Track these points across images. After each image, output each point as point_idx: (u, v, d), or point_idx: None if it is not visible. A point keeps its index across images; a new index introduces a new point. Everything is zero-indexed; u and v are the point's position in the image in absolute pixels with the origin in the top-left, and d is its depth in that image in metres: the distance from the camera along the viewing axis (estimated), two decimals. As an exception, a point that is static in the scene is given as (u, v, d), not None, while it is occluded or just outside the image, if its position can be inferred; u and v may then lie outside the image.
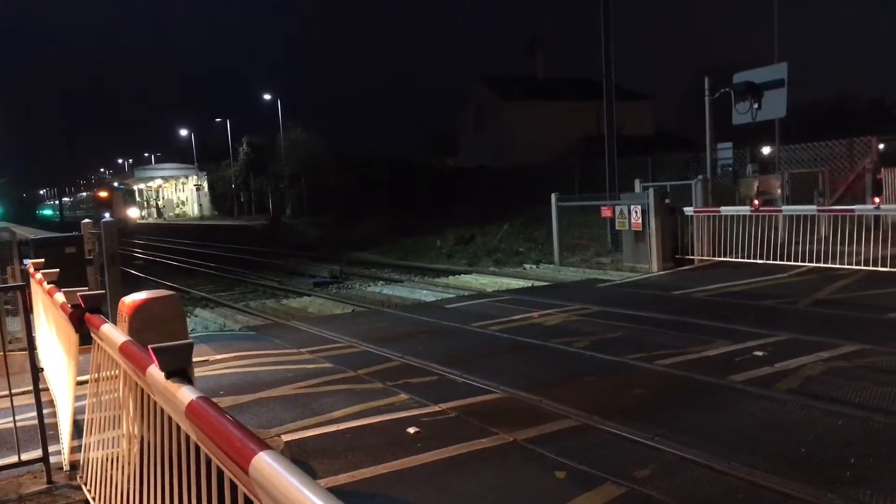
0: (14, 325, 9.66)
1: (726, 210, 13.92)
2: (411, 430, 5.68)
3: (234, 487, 2.01)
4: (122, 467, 3.77)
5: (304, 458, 5.13)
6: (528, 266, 18.67)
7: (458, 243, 25.46)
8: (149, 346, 2.47)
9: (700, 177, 15.26)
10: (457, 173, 44.77)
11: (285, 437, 5.61)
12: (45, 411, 4.56)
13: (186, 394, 2.27)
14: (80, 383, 4.37)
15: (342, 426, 5.86)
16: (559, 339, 8.67)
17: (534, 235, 23.17)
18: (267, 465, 1.68)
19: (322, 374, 7.61)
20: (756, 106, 15.52)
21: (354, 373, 7.65)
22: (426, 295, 15.28)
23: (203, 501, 2.35)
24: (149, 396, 2.89)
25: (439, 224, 29.26)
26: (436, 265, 22.24)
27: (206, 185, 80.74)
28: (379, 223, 34.89)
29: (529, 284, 14.85)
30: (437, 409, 6.23)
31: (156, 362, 2.46)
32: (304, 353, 8.86)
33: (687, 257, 14.35)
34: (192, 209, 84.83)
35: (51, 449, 4.55)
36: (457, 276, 18.44)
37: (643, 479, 4.60)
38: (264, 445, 1.78)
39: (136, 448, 3.59)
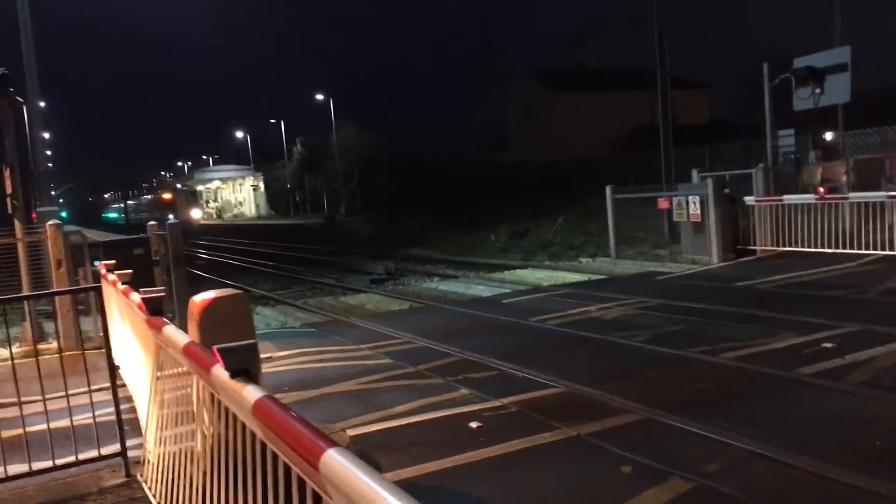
0: (86, 324, 10.01)
1: (790, 199, 13.55)
2: (473, 424, 5.71)
3: (301, 483, 2.06)
4: (187, 464, 3.89)
5: (369, 453, 5.21)
6: (583, 260, 18.52)
7: (513, 238, 25.40)
8: (213, 347, 2.53)
9: (761, 165, 14.89)
10: (508, 168, 44.60)
11: (350, 432, 5.70)
12: (121, 407, 4.73)
13: (252, 393, 2.32)
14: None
15: (405, 421, 5.93)
16: (619, 333, 8.59)
17: (589, 229, 22.95)
18: (336, 461, 1.71)
19: (383, 370, 7.70)
20: (818, 91, 15.04)
21: (414, 368, 7.72)
22: (482, 290, 15.30)
23: (269, 497, 2.42)
24: (213, 395, 2.97)
25: (492, 219, 29.22)
26: (490, 260, 22.23)
27: (262, 185, 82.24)
28: (432, 219, 35.03)
29: (586, 278, 14.73)
30: (498, 403, 6.24)
31: (220, 362, 2.53)
32: (364, 349, 8.97)
33: (748, 248, 14.02)
34: (249, 209, 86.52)
35: (128, 443, 4.73)
36: (512, 270, 18.41)
37: (712, 474, 4.54)
38: (332, 443, 1.82)
39: (200, 445, 3.71)
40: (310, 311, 14.96)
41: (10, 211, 10.40)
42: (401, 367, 7.79)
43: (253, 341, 2.55)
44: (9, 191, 10.31)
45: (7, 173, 10.24)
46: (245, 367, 2.46)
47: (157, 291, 4.14)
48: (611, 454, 4.98)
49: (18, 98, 10.29)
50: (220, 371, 2.59)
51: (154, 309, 4.01)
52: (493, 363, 7.68)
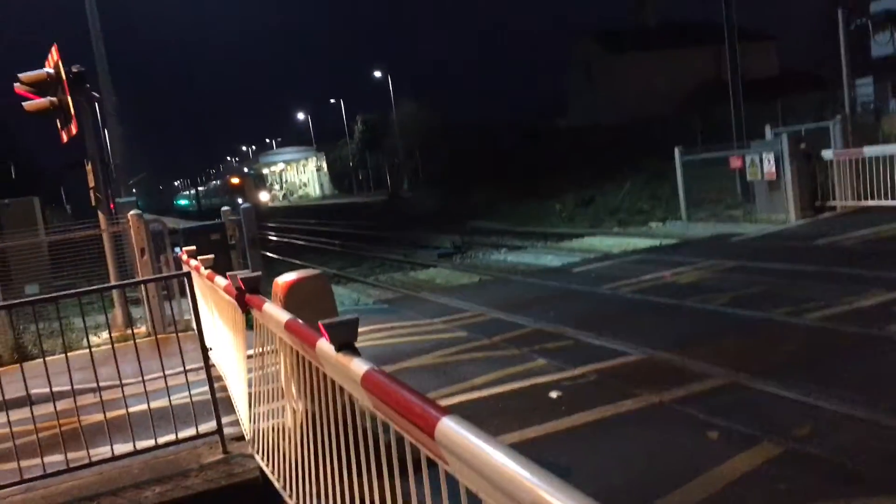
0: (167, 309, 10.38)
1: (870, 150, 12.95)
2: (553, 394, 5.73)
3: (414, 450, 2.12)
4: (289, 437, 4.03)
5: (452, 425, 5.28)
6: (653, 224, 18.17)
7: (579, 205, 25.08)
8: (319, 322, 2.61)
9: (838, 116, 14.26)
10: (569, 133, 43.94)
11: (432, 405, 5.79)
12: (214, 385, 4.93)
13: (360, 365, 2.40)
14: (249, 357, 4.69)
15: (485, 392, 5.99)
16: (696, 298, 8.43)
17: (657, 192, 22.47)
18: (452, 429, 1.76)
19: (458, 343, 7.78)
20: (899, 35, 14.30)
21: (490, 340, 7.76)
22: (551, 260, 15.20)
23: (383, 463, 2.50)
24: (317, 369, 3.07)
25: (556, 187, 28.92)
26: (557, 229, 22.05)
27: (325, 165, 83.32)
28: (495, 190, 34.87)
29: (657, 243, 14.45)
30: (576, 372, 6.24)
31: (326, 337, 2.61)
32: (438, 322, 9.06)
33: (828, 204, 13.50)
34: (313, 190, 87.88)
35: (223, 421, 4.93)
36: (580, 238, 18.20)
37: (803, 438, 4.45)
38: (446, 410, 1.87)
39: (300, 418, 3.84)
40: (381, 288, 15.17)
41: (92, 203, 10.84)
42: (476, 340, 7.85)
43: (356, 317, 2.62)
44: (91, 184, 10.75)
45: (89, 167, 10.67)
46: (350, 341, 2.54)
47: (253, 272, 4.29)
48: (696, 420, 4.93)
49: (95, 94, 10.66)
50: (325, 345, 2.67)
51: (252, 288, 4.15)
52: (568, 332, 7.66)
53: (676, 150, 16.34)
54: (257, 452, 4.50)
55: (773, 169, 13.65)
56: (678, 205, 16.96)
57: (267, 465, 4.25)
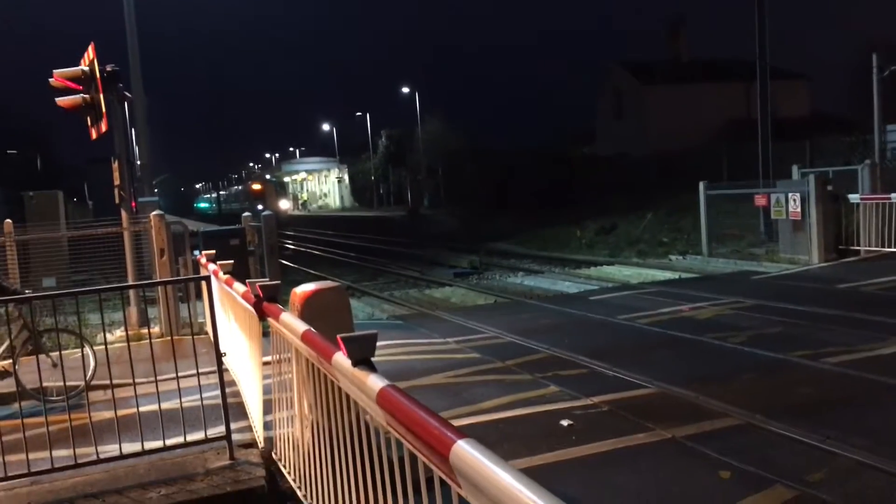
0: (182, 311, 10.41)
1: (898, 197, 12.82)
2: (564, 422, 5.67)
3: (427, 469, 2.09)
4: (299, 446, 4.02)
5: (460, 446, 5.23)
6: (673, 257, 18.08)
7: (599, 234, 25.00)
8: (338, 336, 2.60)
9: (867, 161, 14.16)
10: (595, 162, 43.89)
11: (441, 425, 5.74)
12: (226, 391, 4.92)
13: (376, 381, 2.38)
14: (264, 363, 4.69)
15: (495, 416, 5.93)
16: (713, 334, 8.34)
17: (679, 225, 22.36)
18: (468, 452, 1.73)
19: (471, 364, 7.73)
20: (932, 82, 14.18)
21: (503, 363, 7.71)
22: (568, 286, 15.14)
23: (396, 480, 2.47)
24: (332, 382, 3.05)
25: (578, 214, 28.85)
26: (576, 256, 21.98)
27: (346, 177, 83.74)
28: (516, 213, 34.86)
29: (676, 276, 14.37)
30: (588, 402, 6.17)
31: (344, 351, 2.59)
32: (451, 342, 9.02)
33: (852, 248, 13.36)
34: (333, 201, 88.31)
35: (232, 427, 4.91)
36: (598, 267, 18.15)
37: (816, 483, 4.36)
38: (462, 434, 1.84)
39: (310, 429, 3.82)
40: (396, 304, 15.15)
41: (116, 201, 10.94)
42: (489, 362, 7.80)
43: (375, 332, 2.61)
44: (116, 182, 10.86)
45: (115, 165, 10.78)
46: (367, 356, 2.52)
47: (272, 280, 4.29)
48: (708, 458, 4.85)
49: (127, 94, 10.80)
50: (342, 359, 2.66)
51: (270, 297, 4.15)
52: (583, 361, 7.59)
53: (701, 184, 16.27)
54: (280, 459, 4.49)
55: (799, 209, 13.53)
56: (699, 239, 16.86)
57: (289, 473, 4.24)
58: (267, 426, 4.91)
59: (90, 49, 9.90)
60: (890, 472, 4.45)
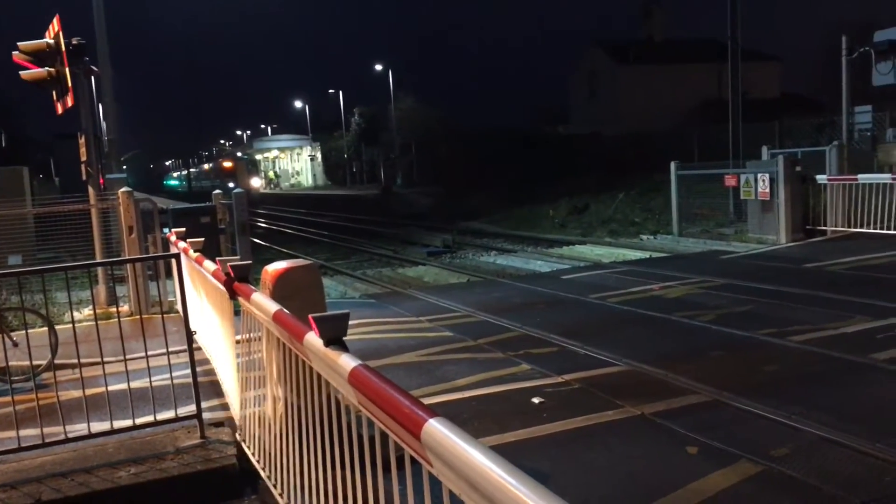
0: (151, 289, 10.29)
1: (864, 178, 13.04)
2: (536, 400, 5.72)
3: (397, 447, 2.09)
4: (269, 425, 4.01)
5: (432, 424, 5.26)
6: (644, 237, 18.22)
7: (572, 213, 25.09)
8: (309, 316, 2.59)
9: (835, 143, 14.35)
10: (568, 141, 43.98)
11: (413, 403, 5.76)
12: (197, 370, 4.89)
13: (348, 361, 2.37)
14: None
15: (467, 394, 5.97)
16: (682, 313, 8.45)
17: (650, 205, 22.53)
18: (439, 431, 1.74)
19: (443, 343, 7.76)
20: (900, 65, 14.38)
21: (475, 342, 7.75)
22: (540, 265, 15.21)
23: (366, 458, 2.47)
24: (303, 362, 3.04)
25: (551, 193, 28.93)
26: (549, 235, 22.06)
27: (319, 155, 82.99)
28: (489, 192, 34.85)
29: (647, 255, 14.51)
30: (560, 379, 6.23)
31: (316, 331, 2.58)
32: (424, 321, 9.04)
33: (819, 228, 13.59)
34: (306, 179, 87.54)
35: (203, 405, 4.88)
36: (571, 246, 18.24)
37: (781, 458, 4.46)
38: (433, 412, 1.84)
39: (280, 408, 3.81)
40: (368, 282, 15.11)
41: (83, 177, 10.74)
42: (461, 341, 7.83)
43: (347, 312, 2.59)
44: (83, 158, 10.65)
45: (82, 141, 10.57)
46: (339, 336, 2.51)
47: (243, 259, 4.24)
48: (676, 434, 4.93)
49: (94, 67, 10.57)
50: (313, 339, 2.64)
51: (241, 277, 4.11)
52: (554, 339, 7.66)
53: (672, 164, 16.39)
54: (244, 440, 4.47)
55: (767, 189, 13.71)
56: (670, 218, 17.02)
57: (253, 454, 4.23)
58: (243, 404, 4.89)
59: (55, 21, 9.65)
60: (852, 447, 4.56)
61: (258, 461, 4.12)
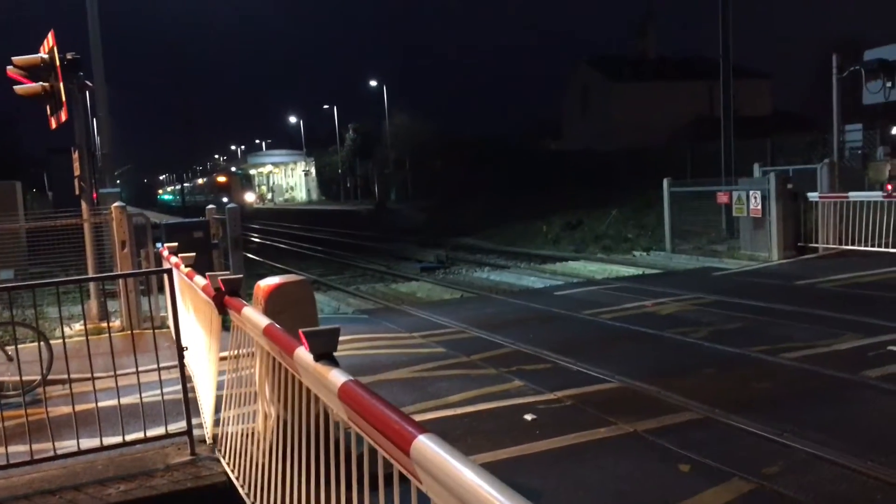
0: (143, 304, 10.26)
1: (855, 195, 13.12)
2: (528, 416, 5.71)
3: (386, 464, 2.08)
4: (258, 442, 3.98)
5: (424, 441, 5.24)
6: (637, 253, 18.28)
7: (565, 229, 25.17)
8: (300, 330, 2.58)
9: (826, 160, 14.46)
10: (561, 157, 44.17)
11: (405, 419, 5.74)
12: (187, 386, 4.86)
13: (338, 376, 2.37)
14: (222, 359, 4.63)
15: (459, 411, 5.95)
16: (675, 329, 8.46)
17: (643, 222, 22.61)
18: (429, 447, 1.74)
19: (436, 359, 7.74)
20: (889, 84, 14.52)
21: (468, 358, 7.74)
22: (534, 281, 15.24)
23: (353, 475, 2.46)
24: (293, 377, 3.03)
25: (544, 209, 29.01)
26: (542, 251, 22.12)
27: (313, 170, 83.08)
28: (483, 208, 34.94)
29: (640, 272, 14.55)
30: (552, 396, 6.22)
31: (306, 346, 2.58)
32: (417, 337, 9.02)
33: (810, 245, 13.65)
34: (300, 194, 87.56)
35: (194, 422, 4.85)
36: (564, 262, 18.29)
37: (773, 476, 4.45)
38: (423, 429, 1.84)
39: (271, 424, 3.79)
40: (361, 298, 15.11)
41: (76, 192, 10.72)
42: (454, 357, 7.82)
43: (337, 327, 2.59)
44: (77, 172, 10.63)
45: (76, 155, 10.56)
46: (329, 351, 2.51)
47: (235, 274, 4.23)
48: (669, 452, 4.92)
49: (88, 82, 10.58)
50: (303, 353, 2.64)
51: (232, 291, 4.10)
52: (547, 355, 7.65)
53: (665, 181, 16.47)
54: (224, 456, 4.43)
55: (759, 206, 13.77)
56: (663, 235, 17.07)
57: (232, 470, 4.19)
58: (217, 423, 4.85)
59: (50, 36, 9.67)
60: (844, 465, 4.56)
61: (237, 477, 4.09)
